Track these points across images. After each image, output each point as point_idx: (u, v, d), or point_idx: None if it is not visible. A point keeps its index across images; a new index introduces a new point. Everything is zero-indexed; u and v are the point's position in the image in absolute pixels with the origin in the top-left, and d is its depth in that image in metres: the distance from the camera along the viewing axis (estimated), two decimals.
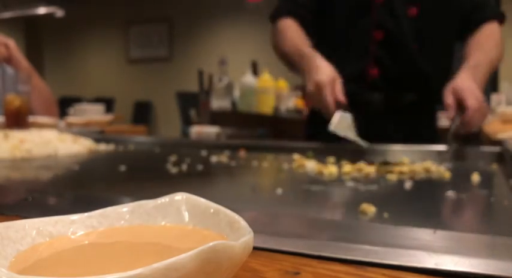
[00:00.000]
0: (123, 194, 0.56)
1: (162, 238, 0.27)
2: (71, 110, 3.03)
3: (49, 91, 1.66)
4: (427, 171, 0.77)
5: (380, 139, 1.04)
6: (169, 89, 6.08)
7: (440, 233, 0.33)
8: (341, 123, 0.95)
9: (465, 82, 0.96)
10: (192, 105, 3.44)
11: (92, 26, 6.94)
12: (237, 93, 2.61)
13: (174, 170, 0.81)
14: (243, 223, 0.25)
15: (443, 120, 1.22)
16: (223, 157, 0.96)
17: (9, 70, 1.51)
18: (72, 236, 0.27)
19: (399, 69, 1.15)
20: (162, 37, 6.46)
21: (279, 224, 0.39)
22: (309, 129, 1.33)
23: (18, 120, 1.24)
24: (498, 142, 1.08)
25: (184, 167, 0.83)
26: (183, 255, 0.19)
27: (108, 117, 2.92)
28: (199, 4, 6.09)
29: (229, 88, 2.62)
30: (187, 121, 4.19)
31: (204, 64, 4.87)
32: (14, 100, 1.25)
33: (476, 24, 1.14)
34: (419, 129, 1.19)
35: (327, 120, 0.96)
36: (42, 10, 6.10)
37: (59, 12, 6.11)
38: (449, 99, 0.94)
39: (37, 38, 7.32)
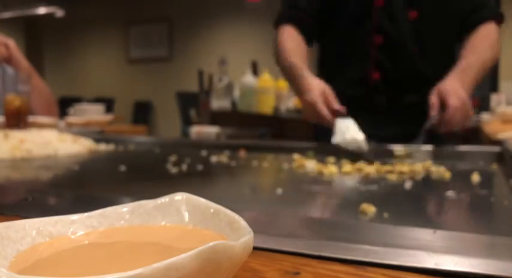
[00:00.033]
0: (123, 194, 0.56)
1: (162, 238, 0.27)
2: (71, 110, 3.03)
3: (49, 91, 1.66)
4: (427, 171, 0.77)
5: (383, 141, 1.05)
6: (169, 89, 6.08)
7: (440, 233, 0.33)
8: (344, 129, 0.96)
9: (451, 84, 1.00)
10: (192, 105, 3.44)
11: (92, 26, 6.94)
12: (237, 93, 2.61)
13: (174, 170, 0.81)
14: (243, 223, 0.25)
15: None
16: (223, 157, 0.96)
17: (9, 70, 1.51)
18: (72, 236, 0.27)
19: (400, 72, 1.16)
20: (162, 37, 6.46)
21: (279, 224, 0.39)
22: (318, 130, 1.31)
23: (18, 120, 1.24)
24: (498, 142, 1.08)
25: (184, 167, 0.83)
26: (183, 255, 0.19)
27: (108, 117, 2.92)
28: (199, 4, 6.09)
29: (229, 88, 2.62)
30: (187, 121, 4.19)
31: (204, 64, 4.87)
32: (14, 100, 1.25)
33: (474, 25, 1.15)
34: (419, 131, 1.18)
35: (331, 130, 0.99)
36: (42, 10, 6.10)
37: (59, 12, 6.11)
38: (433, 99, 0.99)
39: (37, 38, 7.33)
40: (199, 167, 0.86)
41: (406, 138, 1.09)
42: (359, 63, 1.19)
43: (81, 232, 0.28)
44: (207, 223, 0.28)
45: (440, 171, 0.75)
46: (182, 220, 0.29)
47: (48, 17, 6.47)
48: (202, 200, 0.29)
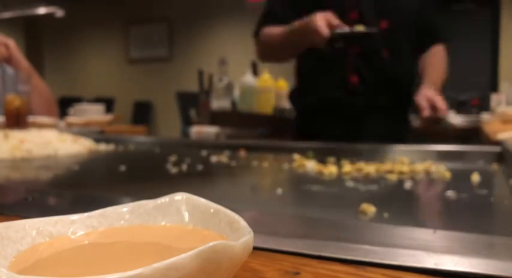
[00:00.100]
0: (123, 194, 0.56)
1: (162, 238, 0.27)
2: (71, 110, 3.03)
3: (49, 92, 1.66)
4: (427, 171, 0.77)
5: (360, 139, 1.21)
6: (169, 89, 6.08)
7: (440, 233, 0.33)
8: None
9: (432, 92, 1.23)
10: (192, 105, 3.44)
11: (92, 26, 6.94)
12: (237, 93, 2.61)
13: (174, 170, 0.81)
14: (243, 223, 0.25)
15: (416, 121, 1.46)
16: (223, 157, 0.96)
17: (9, 70, 1.51)
18: (72, 236, 0.27)
19: (375, 76, 1.31)
20: (162, 37, 6.45)
21: (279, 224, 0.39)
22: (299, 129, 1.46)
23: (18, 120, 1.24)
24: (498, 142, 1.08)
25: (184, 167, 0.83)
26: (183, 255, 0.19)
27: (108, 117, 2.92)
28: (199, 4, 6.09)
29: (229, 88, 2.62)
30: (187, 121, 4.19)
31: (204, 64, 4.86)
32: (14, 100, 1.24)
33: (429, 44, 1.39)
34: (396, 129, 1.37)
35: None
36: (42, 10, 6.10)
37: (59, 12, 6.10)
38: (423, 103, 1.19)
39: (37, 38, 7.32)
40: (199, 167, 0.86)
41: (384, 137, 1.24)
42: (339, 68, 1.33)
43: (81, 232, 0.28)
44: (207, 223, 0.28)
45: (440, 171, 0.75)
46: (182, 220, 0.29)
47: (48, 17, 6.46)
48: (202, 200, 0.29)
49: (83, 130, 1.64)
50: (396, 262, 0.28)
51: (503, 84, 3.31)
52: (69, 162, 0.97)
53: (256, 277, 0.27)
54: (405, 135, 1.38)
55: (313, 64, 1.37)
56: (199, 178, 0.79)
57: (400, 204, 0.58)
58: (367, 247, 0.31)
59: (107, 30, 6.87)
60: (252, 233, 0.23)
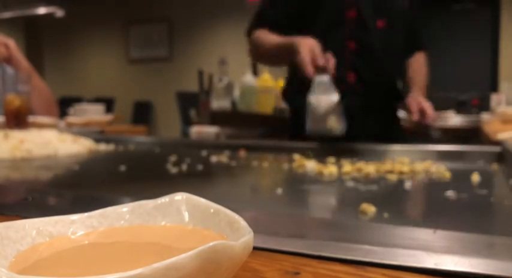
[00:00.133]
0: (123, 194, 0.56)
1: (162, 238, 0.27)
2: (71, 110, 3.03)
3: (49, 91, 1.66)
4: (427, 171, 0.77)
5: (355, 139, 1.21)
6: (169, 89, 6.07)
7: (440, 233, 0.33)
8: (320, 87, 1.08)
9: (422, 98, 1.29)
10: (192, 105, 3.44)
11: (92, 26, 6.94)
12: (237, 93, 2.61)
13: (174, 170, 0.81)
14: (243, 223, 0.25)
15: (405, 121, 1.53)
16: (223, 157, 0.96)
17: (9, 70, 1.51)
18: (72, 236, 0.27)
19: (372, 74, 1.33)
20: (162, 37, 6.46)
21: (279, 224, 0.39)
22: (292, 129, 1.46)
23: (18, 120, 1.24)
24: (498, 142, 1.08)
25: (184, 167, 0.83)
26: (183, 255, 0.19)
27: (108, 117, 2.92)
28: (199, 4, 6.09)
29: (229, 88, 2.62)
30: (187, 121, 4.19)
31: (204, 64, 4.87)
32: (14, 100, 1.24)
33: (414, 51, 1.47)
34: (390, 128, 1.40)
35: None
36: (42, 10, 6.10)
37: (59, 12, 6.10)
38: (414, 107, 1.25)
39: (37, 38, 7.32)
40: (199, 167, 0.86)
41: (379, 135, 1.26)
42: (336, 66, 1.31)
43: (81, 232, 0.28)
44: (207, 223, 0.28)
45: (440, 171, 0.75)
46: (182, 220, 0.29)
47: (48, 17, 6.46)
48: (202, 200, 0.29)
49: (83, 130, 1.64)
50: (396, 262, 0.28)
51: (503, 84, 3.32)
52: (69, 162, 0.97)
53: (256, 277, 0.27)
54: (400, 134, 1.41)
55: None
56: (199, 178, 0.79)
57: (400, 203, 0.58)
58: (367, 247, 0.31)
59: (107, 30, 6.87)
60: (252, 233, 0.23)
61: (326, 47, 1.34)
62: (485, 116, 2.27)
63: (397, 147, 0.99)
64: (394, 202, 0.59)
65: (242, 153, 1.05)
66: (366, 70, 1.32)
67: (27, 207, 0.47)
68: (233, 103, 2.59)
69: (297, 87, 1.43)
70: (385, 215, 0.47)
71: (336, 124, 1.08)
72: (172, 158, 0.93)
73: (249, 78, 2.49)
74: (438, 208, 0.56)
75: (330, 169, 0.77)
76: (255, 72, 2.68)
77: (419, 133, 1.34)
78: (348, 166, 0.78)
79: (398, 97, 1.39)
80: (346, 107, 1.32)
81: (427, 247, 0.31)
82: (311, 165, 0.82)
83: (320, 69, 1.08)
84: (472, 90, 3.94)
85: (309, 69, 1.08)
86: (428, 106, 1.25)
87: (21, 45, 6.38)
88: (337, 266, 0.29)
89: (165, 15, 6.38)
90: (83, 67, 7.17)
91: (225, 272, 0.21)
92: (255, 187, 0.75)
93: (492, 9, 4.63)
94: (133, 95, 6.64)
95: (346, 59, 1.31)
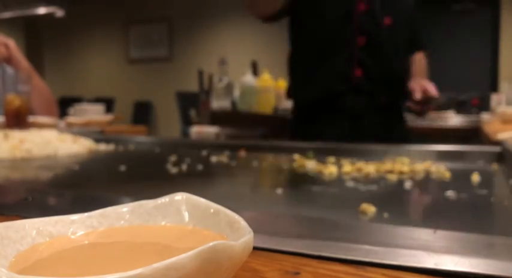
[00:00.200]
0: (123, 194, 0.56)
1: (162, 238, 0.27)
2: (71, 110, 3.03)
3: (49, 91, 1.66)
4: (427, 171, 0.77)
5: (360, 137, 1.23)
6: (169, 89, 6.07)
7: (440, 233, 0.33)
8: None
9: (423, 80, 1.33)
10: (192, 105, 3.44)
11: (92, 26, 6.94)
12: (237, 93, 2.61)
13: (174, 170, 0.81)
14: (243, 223, 0.25)
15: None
16: (223, 157, 0.96)
17: (9, 70, 1.51)
18: (72, 236, 0.27)
19: (379, 70, 1.32)
20: (162, 37, 6.45)
21: (279, 224, 0.39)
22: (295, 126, 1.46)
23: (18, 120, 1.24)
24: (498, 142, 1.08)
25: (184, 167, 0.83)
26: (183, 255, 0.19)
27: (108, 117, 2.91)
28: (199, 4, 6.09)
29: (229, 88, 2.62)
30: (187, 121, 4.19)
31: (204, 64, 4.87)
32: (14, 100, 1.25)
33: (414, 50, 1.49)
34: (395, 128, 1.40)
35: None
36: (42, 10, 6.09)
37: (59, 12, 6.10)
38: (416, 87, 1.28)
39: (37, 38, 7.32)
40: (199, 167, 0.86)
41: (384, 136, 1.26)
42: (343, 60, 1.33)
43: (81, 232, 0.28)
44: (207, 223, 0.28)
45: (440, 171, 0.75)
46: (182, 220, 0.29)
47: (48, 17, 6.45)
48: (202, 200, 0.29)
49: (83, 130, 1.64)
50: (396, 262, 0.28)
51: (503, 84, 3.31)
52: (69, 162, 0.97)
53: (256, 277, 0.27)
54: (405, 134, 1.42)
55: (314, 53, 1.37)
56: (199, 178, 0.79)
57: (400, 204, 0.58)
58: (367, 247, 0.31)
59: (107, 30, 6.87)
60: (252, 233, 0.23)
61: (333, 42, 1.33)
62: (485, 116, 2.27)
63: (397, 147, 0.99)
64: (394, 202, 0.59)
65: (242, 153, 1.05)
66: (374, 66, 1.31)
67: (27, 207, 0.47)
68: (233, 103, 2.59)
69: (303, 81, 1.41)
70: (385, 215, 0.47)
71: None
72: (172, 158, 0.93)
73: (249, 78, 2.49)
74: (438, 208, 0.56)
75: (330, 169, 0.77)
76: (255, 72, 2.68)
77: (423, 111, 1.38)
78: (348, 166, 0.78)
79: (405, 97, 1.39)
80: (352, 105, 1.33)
81: (427, 247, 0.31)
82: (311, 165, 0.82)
83: None
84: (472, 90, 3.93)
85: None
86: (429, 85, 1.28)
87: (21, 45, 6.38)
88: (337, 266, 0.29)
89: (165, 15, 6.37)
90: (83, 67, 7.16)
91: (225, 272, 0.21)
92: (255, 187, 0.75)
93: (492, 9, 4.63)
94: (133, 95, 6.64)
95: (354, 53, 1.31)
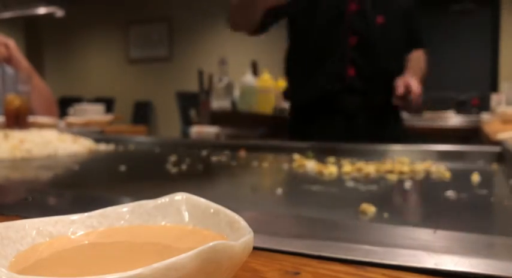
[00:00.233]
0: (123, 194, 0.56)
1: (162, 238, 0.27)
2: (71, 110, 3.03)
3: (49, 91, 1.66)
4: (427, 171, 0.77)
5: (355, 137, 1.22)
6: (169, 89, 6.07)
7: (440, 233, 0.33)
8: None
9: (410, 77, 1.29)
10: (192, 105, 3.44)
11: (92, 26, 6.94)
12: (237, 93, 2.61)
13: (174, 170, 0.81)
14: (243, 223, 0.25)
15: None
16: (223, 157, 0.96)
17: (9, 70, 1.51)
18: (72, 236, 0.27)
19: (372, 70, 1.33)
20: (162, 37, 6.45)
21: (279, 224, 0.39)
22: (293, 126, 1.47)
23: (18, 120, 1.24)
24: (498, 142, 1.08)
25: (184, 167, 0.83)
26: (183, 255, 0.19)
27: (108, 117, 2.91)
28: (199, 4, 6.08)
29: (229, 88, 2.62)
30: (187, 121, 4.19)
31: (204, 64, 4.87)
32: (14, 100, 1.24)
33: (413, 48, 1.46)
34: (390, 127, 1.39)
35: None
36: (42, 10, 6.09)
37: (59, 12, 6.10)
38: (400, 83, 1.26)
39: (37, 38, 7.32)
40: (199, 167, 0.86)
41: (379, 136, 1.24)
42: (337, 60, 1.33)
43: (81, 232, 0.28)
44: (207, 223, 0.28)
45: (440, 171, 0.75)
46: (182, 220, 0.29)
47: (48, 17, 6.46)
48: (202, 200, 0.29)
49: (83, 130, 1.64)
50: (396, 262, 0.28)
51: (503, 84, 3.31)
52: (69, 162, 0.97)
53: (256, 277, 0.27)
54: (401, 134, 1.41)
55: (309, 54, 1.38)
56: (199, 178, 0.79)
57: (400, 204, 0.58)
58: (367, 247, 0.31)
59: (107, 30, 6.87)
60: (252, 233, 0.23)
61: (326, 43, 1.34)
62: (485, 116, 2.27)
63: (397, 147, 0.99)
64: (394, 202, 0.59)
65: (242, 153, 1.05)
66: (366, 66, 1.32)
67: (27, 207, 0.47)
68: (233, 103, 2.59)
69: (299, 83, 1.42)
70: (385, 215, 0.47)
71: None
72: (172, 158, 0.93)
73: (249, 78, 2.49)
74: (438, 208, 0.56)
75: (330, 169, 0.77)
76: (255, 72, 2.68)
77: (406, 108, 1.39)
78: (348, 166, 0.78)
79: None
80: (346, 105, 1.33)
81: (427, 247, 0.31)
82: (311, 165, 0.82)
83: None
84: (472, 90, 3.93)
85: None
86: (413, 83, 1.26)
87: (21, 45, 6.38)
88: (337, 266, 0.29)
89: (165, 15, 6.37)
90: (83, 67, 7.16)
91: (225, 272, 0.21)
92: (255, 187, 0.75)
93: (492, 9, 4.63)
94: (133, 95, 6.64)
95: (346, 53, 1.31)
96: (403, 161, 0.84)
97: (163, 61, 6.49)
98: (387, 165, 0.80)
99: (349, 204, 0.56)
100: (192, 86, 4.84)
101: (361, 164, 0.80)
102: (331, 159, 0.88)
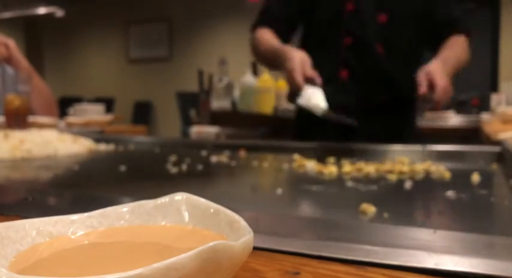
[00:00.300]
0: (123, 194, 0.56)
1: (162, 238, 0.27)
2: (71, 110, 3.03)
3: (49, 91, 1.66)
4: (427, 171, 0.77)
5: (355, 139, 1.18)
6: (169, 89, 6.08)
7: (440, 233, 0.33)
8: (310, 95, 1.08)
9: (435, 67, 1.11)
10: (192, 105, 3.44)
11: (92, 26, 6.94)
12: (237, 93, 2.61)
13: (174, 170, 0.81)
14: (243, 223, 0.25)
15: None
16: (223, 157, 0.96)
17: (9, 70, 1.51)
18: (72, 236, 0.27)
19: (366, 72, 1.27)
20: (162, 37, 6.46)
21: (279, 224, 0.39)
22: (297, 129, 1.45)
23: (18, 120, 1.24)
24: (498, 142, 1.08)
25: (184, 167, 0.83)
26: (183, 255, 0.19)
27: (108, 117, 2.92)
28: (199, 4, 6.09)
29: (229, 88, 2.62)
30: (187, 121, 4.19)
31: (204, 64, 4.87)
32: (14, 100, 1.24)
33: (447, 36, 1.28)
34: (396, 128, 1.31)
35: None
36: (42, 10, 6.10)
37: (59, 12, 6.10)
38: (421, 78, 1.09)
39: (37, 38, 7.32)
40: (199, 167, 0.86)
41: (383, 137, 1.19)
42: (330, 62, 1.29)
43: (81, 232, 0.28)
44: (207, 223, 0.28)
45: (440, 171, 0.75)
46: (182, 220, 0.29)
47: (48, 17, 6.46)
48: (202, 200, 0.29)
49: (83, 130, 1.64)
50: (396, 262, 0.28)
51: (503, 84, 3.32)
52: (69, 162, 0.97)
53: (256, 277, 0.27)
54: (405, 136, 1.31)
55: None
56: (199, 178, 0.79)
57: (400, 204, 0.58)
58: (367, 247, 0.31)
59: (107, 30, 6.87)
60: (252, 233, 0.23)
61: (323, 44, 1.34)
62: (485, 116, 2.27)
63: (397, 147, 0.99)
64: (394, 202, 0.58)
65: (242, 153, 1.05)
66: (359, 67, 1.27)
67: (27, 207, 0.47)
68: (233, 103, 2.59)
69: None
70: (385, 215, 0.47)
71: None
72: (172, 158, 0.93)
73: (249, 78, 2.49)
74: (438, 208, 0.56)
75: (330, 169, 0.77)
76: (255, 72, 2.68)
77: (431, 107, 1.31)
78: (348, 166, 0.78)
79: (407, 98, 1.30)
80: (339, 106, 1.26)
81: (427, 247, 0.31)
82: (311, 165, 0.82)
83: (309, 80, 1.09)
84: (472, 90, 3.93)
85: (299, 78, 1.07)
86: (438, 77, 1.08)
87: (21, 45, 6.38)
88: (337, 266, 0.29)
89: (165, 15, 6.38)
90: (83, 67, 7.17)
91: (225, 272, 0.21)
92: (255, 187, 0.75)
93: (492, 9, 4.63)
94: (133, 95, 6.64)
95: (340, 55, 1.28)
96: (403, 161, 0.84)
97: (163, 61, 6.49)
98: (387, 165, 0.80)
99: (349, 204, 0.56)
100: (192, 86, 4.84)
101: (361, 164, 0.80)
102: (331, 159, 0.88)
